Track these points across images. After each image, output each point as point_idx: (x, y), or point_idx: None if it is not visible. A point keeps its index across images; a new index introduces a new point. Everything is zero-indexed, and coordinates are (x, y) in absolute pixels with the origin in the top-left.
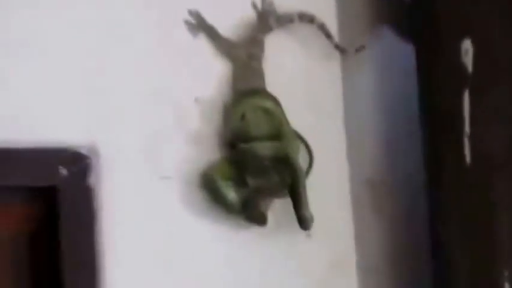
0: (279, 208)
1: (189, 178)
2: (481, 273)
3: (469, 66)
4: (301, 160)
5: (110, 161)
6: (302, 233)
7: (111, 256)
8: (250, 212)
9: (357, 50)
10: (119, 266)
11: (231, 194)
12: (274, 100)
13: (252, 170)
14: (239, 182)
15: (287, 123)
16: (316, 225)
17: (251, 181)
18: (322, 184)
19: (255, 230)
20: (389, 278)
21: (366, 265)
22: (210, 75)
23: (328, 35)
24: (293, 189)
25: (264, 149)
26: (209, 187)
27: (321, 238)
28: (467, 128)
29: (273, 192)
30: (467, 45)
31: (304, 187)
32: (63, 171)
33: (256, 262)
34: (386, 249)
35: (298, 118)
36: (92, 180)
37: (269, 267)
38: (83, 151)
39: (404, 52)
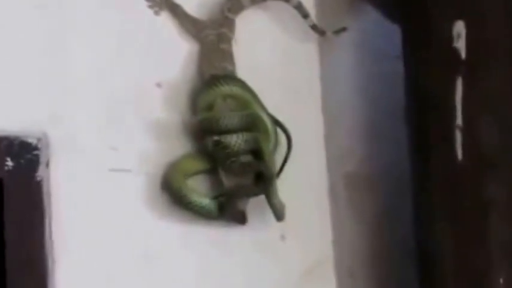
0: (250, 208)
1: (150, 171)
2: (472, 280)
3: (462, 51)
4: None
5: (62, 152)
6: (275, 235)
7: (60, 255)
8: (230, 213)
9: (336, 32)
10: (69, 265)
11: (205, 200)
12: (246, 87)
13: (226, 166)
14: (212, 178)
15: (261, 110)
16: (290, 226)
17: (226, 180)
18: (298, 179)
19: (223, 232)
20: (370, 283)
21: (345, 269)
22: (174, 57)
23: (305, 15)
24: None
25: (237, 141)
26: (178, 197)
27: (296, 240)
28: (459, 120)
29: (251, 192)
30: (459, 28)
31: (273, 176)
32: (10, 162)
33: (225, 266)
34: (367, 252)
35: (271, 105)
36: (41, 173)
37: (239, 271)
38: (32, 141)
39: (390, 34)
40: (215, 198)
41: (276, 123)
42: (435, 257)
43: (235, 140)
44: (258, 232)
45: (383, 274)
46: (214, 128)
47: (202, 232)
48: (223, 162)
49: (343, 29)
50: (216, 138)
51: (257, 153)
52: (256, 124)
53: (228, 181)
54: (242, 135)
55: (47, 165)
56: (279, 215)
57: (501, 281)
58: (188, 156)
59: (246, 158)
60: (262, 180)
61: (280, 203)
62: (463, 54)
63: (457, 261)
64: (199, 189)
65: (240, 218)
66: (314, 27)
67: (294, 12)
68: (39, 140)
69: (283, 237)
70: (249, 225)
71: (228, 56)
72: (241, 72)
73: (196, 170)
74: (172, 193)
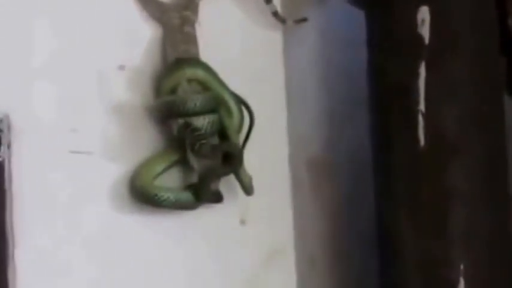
0: None
1: (112, 154)
2: (433, 267)
3: (426, 37)
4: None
5: (23, 133)
6: (235, 220)
7: (21, 237)
8: (206, 197)
9: (297, 22)
10: (30, 247)
11: (183, 195)
12: (210, 70)
13: (195, 150)
14: (184, 165)
15: (225, 92)
16: (251, 211)
17: (196, 164)
18: (260, 164)
19: (182, 217)
20: (332, 271)
21: (306, 257)
22: (137, 40)
23: (267, 0)
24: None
25: (203, 123)
26: (149, 199)
27: (257, 225)
28: (422, 106)
29: (222, 172)
30: (424, 14)
31: (241, 154)
32: None
33: (182, 252)
34: (329, 239)
35: (233, 90)
36: (2, 154)
37: (197, 257)
38: None
39: (354, 21)
40: (187, 188)
41: (239, 100)
42: (396, 244)
43: (202, 123)
44: (217, 216)
45: (344, 261)
46: (180, 110)
47: (162, 217)
48: (192, 146)
49: (304, 20)
50: (184, 121)
51: (221, 134)
52: (220, 105)
53: (198, 165)
54: (208, 117)
55: (9, 146)
56: (248, 190)
57: (461, 267)
58: (154, 157)
59: (214, 140)
60: (230, 160)
61: (248, 177)
62: (427, 40)
63: (418, 248)
64: (168, 183)
65: (217, 198)
66: (275, 14)
67: None
68: (1, 121)
69: (243, 222)
70: (208, 210)
71: (192, 39)
72: (204, 56)
73: (165, 166)
74: (143, 196)
